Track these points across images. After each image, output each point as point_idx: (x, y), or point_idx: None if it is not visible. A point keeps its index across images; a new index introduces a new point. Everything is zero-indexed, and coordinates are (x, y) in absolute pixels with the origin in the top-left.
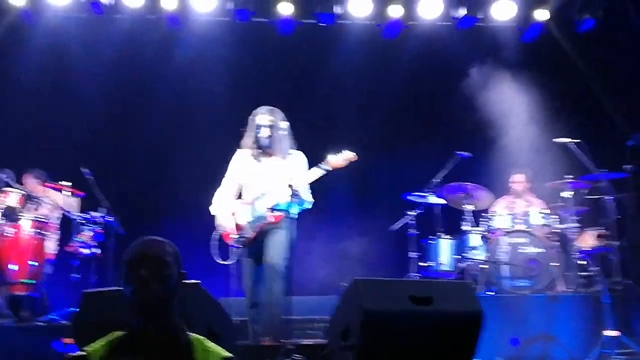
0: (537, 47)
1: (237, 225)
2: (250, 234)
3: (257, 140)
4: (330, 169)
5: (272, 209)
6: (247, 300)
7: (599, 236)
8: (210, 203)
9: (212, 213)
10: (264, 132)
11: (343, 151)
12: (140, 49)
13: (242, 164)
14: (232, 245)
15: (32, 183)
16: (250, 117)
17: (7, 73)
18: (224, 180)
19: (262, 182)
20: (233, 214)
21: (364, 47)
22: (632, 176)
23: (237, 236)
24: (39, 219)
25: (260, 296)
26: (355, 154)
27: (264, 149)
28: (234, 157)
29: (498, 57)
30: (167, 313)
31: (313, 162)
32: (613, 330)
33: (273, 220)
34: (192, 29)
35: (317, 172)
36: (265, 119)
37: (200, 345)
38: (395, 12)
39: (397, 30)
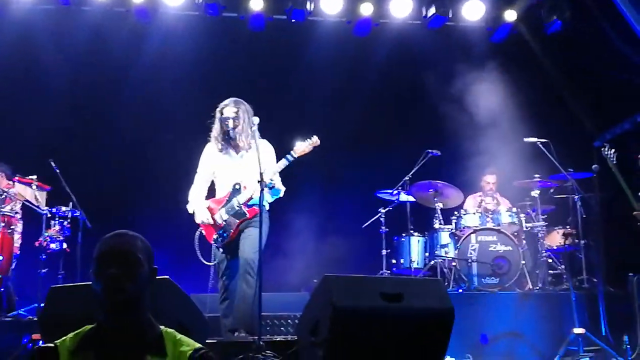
0: (506, 47)
1: (215, 223)
2: (231, 231)
3: (224, 133)
4: (296, 156)
5: (247, 204)
6: (219, 294)
7: (565, 235)
8: (182, 198)
9: (189, 211)
10: (230, 124)
11: (310, 138)
12: (109, 42)
13: (211, 158)
14: (216, 245)
15: None
16: (216, 109)
17: None
18: (196, 176)
19: (233, 176)
20: (210, 211)
21: (335, 45)
22: (598, 176)
23: (217, 236)
24: (6, 213)
25: (232, 291)
26: (317, 137)
27: (231, 141)
28: (203, 152)
29: (468, 56)
30: (137, 309)
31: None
32: (580, 327)
33: (248, 216)
34: (161, 22)
35: (284, 162)
36: (231, 111)
37: (170, 337)
38: (366, 10)
39: (367, 28)
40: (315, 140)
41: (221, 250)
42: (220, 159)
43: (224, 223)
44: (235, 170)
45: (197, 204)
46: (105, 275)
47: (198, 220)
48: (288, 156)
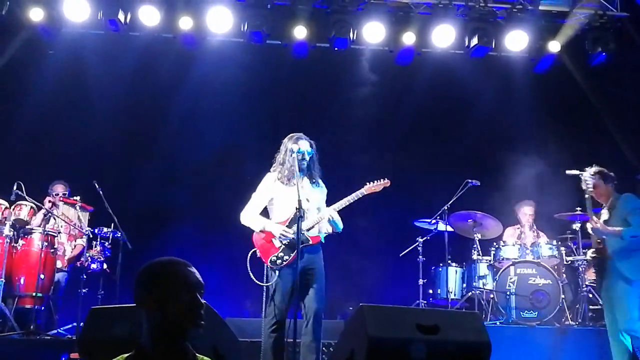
0: (549, 78)
1: (274, 246)
2: (289, 255)
3: (295, 165)
4: (366, 193)
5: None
6: (268, 318)
7: None
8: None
9: (246, 224)
10: (304, 158)
11: (380, 180)
12: (156, 67)
13: (273, 186)
14: (275, 267)
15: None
16: (289, 142)
17: (22, 86)
18: (254, 198)
19: (294, 204)
20: (270, 235)
21: (377, 73)
22: None
23: (275, 257)
24: (49, 233)
25: (283, 315)
26: (388, 180)
27: (299, 173)
28: (266, 179)
29: (510, 87)
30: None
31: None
32: None
33: (311, 242)
34: (207, 48)
35: (351, 198)
36: (306, 146)
37: None
38: (408, 39)
39: (410, 57)
40: (387, 181)
41: (277, 272)
42: (284, 189)
43: (284, 246)
44: (295, 199)
45: (267, 222)
46: (191, 301)
47: (276, 233)
48: (359, 192)
